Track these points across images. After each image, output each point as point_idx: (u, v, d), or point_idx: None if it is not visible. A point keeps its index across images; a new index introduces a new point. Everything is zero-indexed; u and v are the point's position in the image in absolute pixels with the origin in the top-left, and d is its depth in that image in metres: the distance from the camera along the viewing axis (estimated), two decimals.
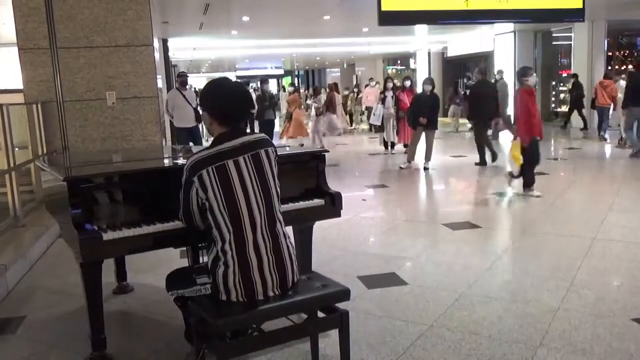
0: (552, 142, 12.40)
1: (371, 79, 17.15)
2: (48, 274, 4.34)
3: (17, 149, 5.37)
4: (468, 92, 13.79)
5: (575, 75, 14.51)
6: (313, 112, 13.48)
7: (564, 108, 16.28)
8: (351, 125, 18.28)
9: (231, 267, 2.26)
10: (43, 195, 4.20)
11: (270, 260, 2.31)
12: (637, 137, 9.75)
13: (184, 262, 3.45)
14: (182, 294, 2.45)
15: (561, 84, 16.60)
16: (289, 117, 13.10)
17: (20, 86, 6.36)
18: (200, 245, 2.92)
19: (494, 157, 9.05)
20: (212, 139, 2.40)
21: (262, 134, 2.45)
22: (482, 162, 9.07)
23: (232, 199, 2.25)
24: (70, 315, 3.48)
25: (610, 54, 15.53)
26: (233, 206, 2.25)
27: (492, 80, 12.70)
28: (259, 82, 13.28)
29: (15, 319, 3.43)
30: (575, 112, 14.30)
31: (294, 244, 2.47)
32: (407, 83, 11.02)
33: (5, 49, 9.40)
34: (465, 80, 20.75)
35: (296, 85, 24.86)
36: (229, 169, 2.26)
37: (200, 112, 2.51)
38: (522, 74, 6.46)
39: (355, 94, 18.70)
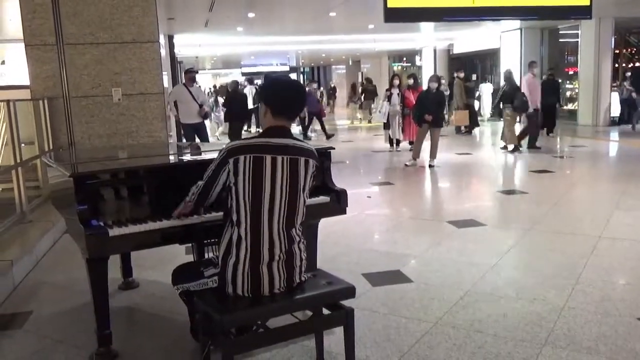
0: (558, 139, 12.35)
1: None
2: (54, 270, 4.36)
3: (23, 144, 5.39)
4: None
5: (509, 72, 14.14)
6: None
7: (571, 106, 16.21)
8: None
9: (242, 257, 2.27)
10: (49, 191, 4.22)
11: (281, 259, 2.31)
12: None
13: (190, 258, 3.46)
14: (188, 288, 2.46)
15: (567, 82, 16.52)
16: None
17: (26, 82, 6.38)
18: (205, 241, 2.93)
19: None
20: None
21: (310, 146, 2.44)
22: None
23: (259, 192, 2.26)
24: (76, 310, 3.50)
25: (617, 51, 15.43)
26: (257, 199, 2.26)
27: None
28: (263, 79, 13.31)
29: (21, 314, 3.45)
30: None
31: (305, 249, 2.46)
32: (410, 81, 11.03)
33: (11, 45, 9.42)
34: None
35: None
36: (265, 162, 2.27)
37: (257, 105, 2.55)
38: None
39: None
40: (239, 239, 2.29)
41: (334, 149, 3.35)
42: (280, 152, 2.29)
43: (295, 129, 16.42)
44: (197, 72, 9.28)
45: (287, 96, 2.41)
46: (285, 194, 2.29)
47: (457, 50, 20.84)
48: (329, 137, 13.39)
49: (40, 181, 6.05)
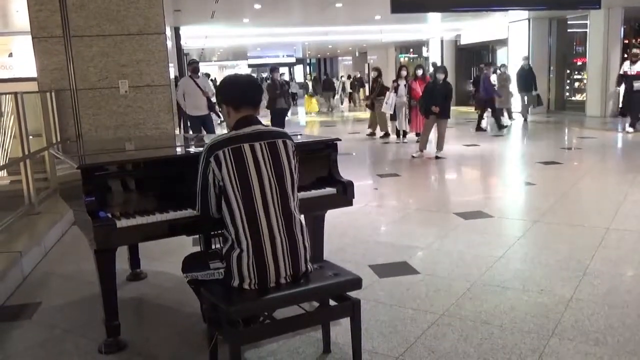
0: (566, 130, 12.28)
1: None
2: (63, 261, 4.39)
3: (31, 137, 5.42)
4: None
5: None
6: None
7: (579, 97, 16.08)
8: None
9: (245, 250, 2.28)
10: (57, 183, 4.24)
11: (284, 243, 2.32)
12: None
13: (197, 250, 3.47)
14: (196, 277, 2.49)
15: (576, 73, 16.39)
16: None
17: (34, 74, 6.40)
18: (212, 233, 2.94)
19: None
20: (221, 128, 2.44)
21: (282, 129, 2.50)
22: None
23: (246, 179, 2.29)
24: (85, 301, 3.52)
25: (626, 41, 15.28)
26: (246, 188, 2.28)
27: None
28: (269, 71, 13.16)
29: (31, 305, 3.48)
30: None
31: (308, 237, 2.47)
32: (419, 72, 10.98)
33: (19, 37, 9.45)
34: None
35: None
36: (244, 151, 2.31)
37: (220, 109, 2.61)
38: None
39: None
40: (237, 232, 2.30)
41: (340, 140, 3.34)
42: (256, 139, 2.34)
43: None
44: (198, 62, 9.40)
45: (240, 87, 2.48)
46: (273, 179, 2.32)
47: (464, 41, 20.71)
48: (502, 127, 12.64)
49: (48, 173, 6.09)
